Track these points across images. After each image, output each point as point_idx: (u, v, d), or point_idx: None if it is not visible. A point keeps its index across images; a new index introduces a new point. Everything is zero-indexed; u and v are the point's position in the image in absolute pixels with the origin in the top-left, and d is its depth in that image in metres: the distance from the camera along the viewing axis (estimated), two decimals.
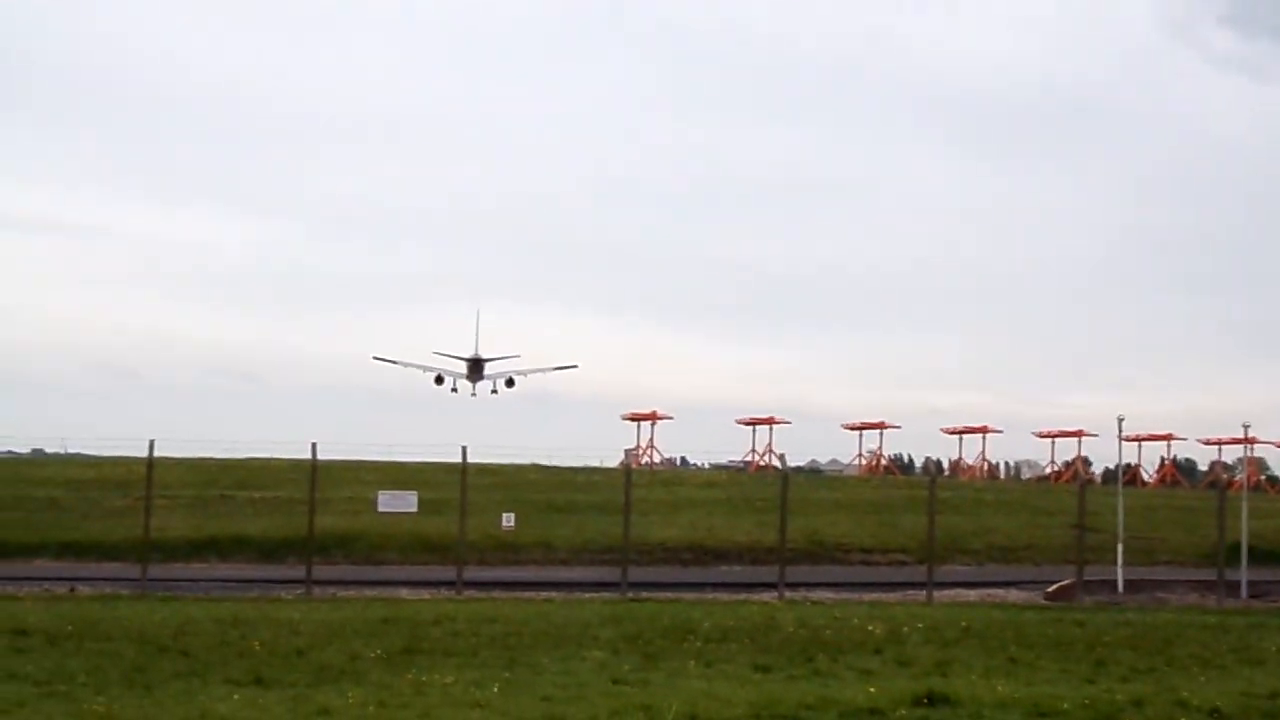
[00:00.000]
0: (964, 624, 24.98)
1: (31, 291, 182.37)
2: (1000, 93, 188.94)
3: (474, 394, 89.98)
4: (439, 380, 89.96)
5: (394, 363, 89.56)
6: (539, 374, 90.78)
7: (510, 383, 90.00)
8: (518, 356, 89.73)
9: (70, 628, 21.95)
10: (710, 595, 32.80)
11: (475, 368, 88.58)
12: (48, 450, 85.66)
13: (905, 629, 23.68)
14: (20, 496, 49.79)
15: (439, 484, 42.32)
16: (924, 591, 33.59)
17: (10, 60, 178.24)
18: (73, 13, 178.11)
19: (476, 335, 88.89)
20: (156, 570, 33.94)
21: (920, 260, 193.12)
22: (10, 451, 79.28)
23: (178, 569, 36.48)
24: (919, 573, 35.99)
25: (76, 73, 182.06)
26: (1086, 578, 34.93)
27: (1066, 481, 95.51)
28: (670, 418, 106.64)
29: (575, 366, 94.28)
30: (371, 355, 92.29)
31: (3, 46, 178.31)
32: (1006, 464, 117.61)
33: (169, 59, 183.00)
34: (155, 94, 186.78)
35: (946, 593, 34.16)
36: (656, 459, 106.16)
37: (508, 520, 38.54)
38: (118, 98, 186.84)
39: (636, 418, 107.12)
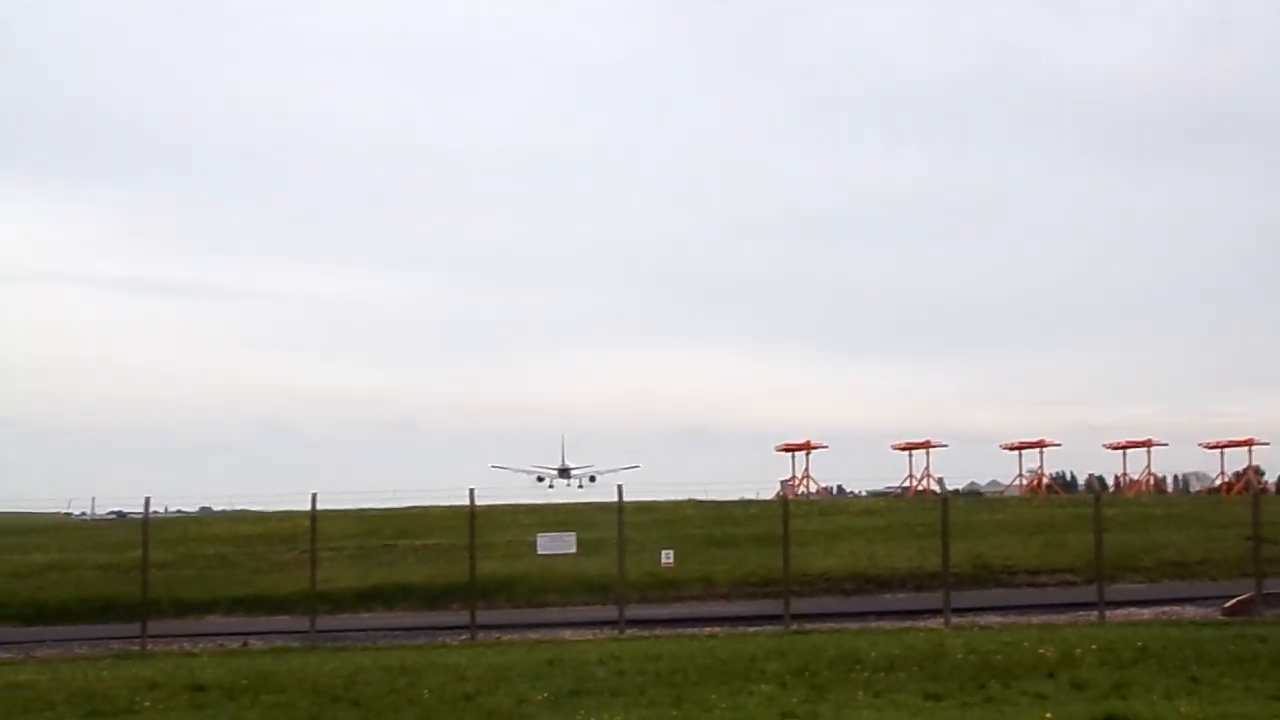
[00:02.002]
0: (1140, 643, 24.25)
1: (194, 354, 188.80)
2: (1139, 102, 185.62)
3: (568, 485, 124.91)
4: (540, 479, 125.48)
5: (506, 469, 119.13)
6: (611, 473, 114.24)
7: (593, 479, 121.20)
8: (592, 465, 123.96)
9: (245, 681, 22.38)
10: (875, 624, 32.35)
11: (564, 473, 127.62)
12: (215, 508, 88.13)
13: (1078, 651, 23.06)
14: (192, 555, 51.03)
15: (596, 524, 42.47)
16: (1095, 611, 32.68)
17: (165, 134, 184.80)
18: (223, 81, 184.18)
19: (563, 450, 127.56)
20: (325, 621, 34.49)
21: (1069, 275, 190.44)
22: (180, 511, 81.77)
23: (345, 619, 37.00)
24: (1088, 593, 35.05)
25: (230, 139, 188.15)
26: (1266, 591, 33.69)
27: (1238, 492, 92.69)
28: (825, 446, 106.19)
29: (637, 466, 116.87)
30: (490, 464, 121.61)
31: (158, 126, 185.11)
32: (1174, 477, 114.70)
33: (302, 119, 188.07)
34: (297, 157, 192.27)
35: (1119, 612, 33.20)
36: (813, 488, 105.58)
37: (667, 557, 38.52)
38: (270, 164, 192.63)
39: (791, 448, 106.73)
